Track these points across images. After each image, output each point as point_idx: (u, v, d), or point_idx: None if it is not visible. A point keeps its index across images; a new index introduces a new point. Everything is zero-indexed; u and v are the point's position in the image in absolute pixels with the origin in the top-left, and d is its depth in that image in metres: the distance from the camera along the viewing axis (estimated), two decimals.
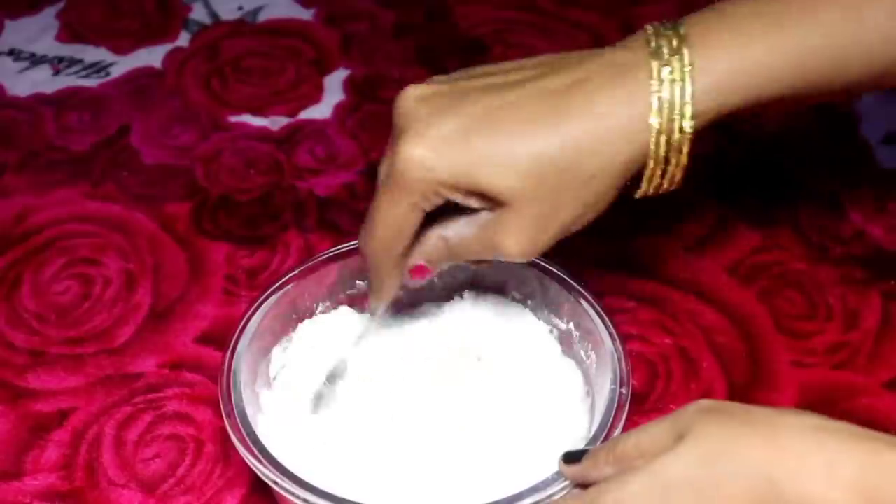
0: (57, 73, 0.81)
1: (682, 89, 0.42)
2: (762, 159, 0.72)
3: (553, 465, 0.44)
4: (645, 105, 0.42)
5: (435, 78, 0.46)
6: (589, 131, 0.43)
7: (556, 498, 0.44)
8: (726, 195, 0.70)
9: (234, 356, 0.49)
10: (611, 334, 0.50)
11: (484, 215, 0.45)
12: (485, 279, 0.57)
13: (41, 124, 0.77)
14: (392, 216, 0.44)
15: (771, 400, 0.57)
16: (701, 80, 0.42)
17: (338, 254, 0.55)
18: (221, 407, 0.47)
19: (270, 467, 0.45)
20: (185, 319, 0.62)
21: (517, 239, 0.44)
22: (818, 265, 0.65)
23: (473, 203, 0.44)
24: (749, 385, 0.58)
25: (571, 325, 0.54)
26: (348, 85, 0.80)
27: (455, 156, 0.42)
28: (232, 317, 0.61)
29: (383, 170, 0.45)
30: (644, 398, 0.58)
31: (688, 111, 0.42)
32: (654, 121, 0.42)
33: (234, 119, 0.77)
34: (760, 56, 0.43)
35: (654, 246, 0.66)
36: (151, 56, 0.83)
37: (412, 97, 0.44)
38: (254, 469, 0.45)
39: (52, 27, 0.86)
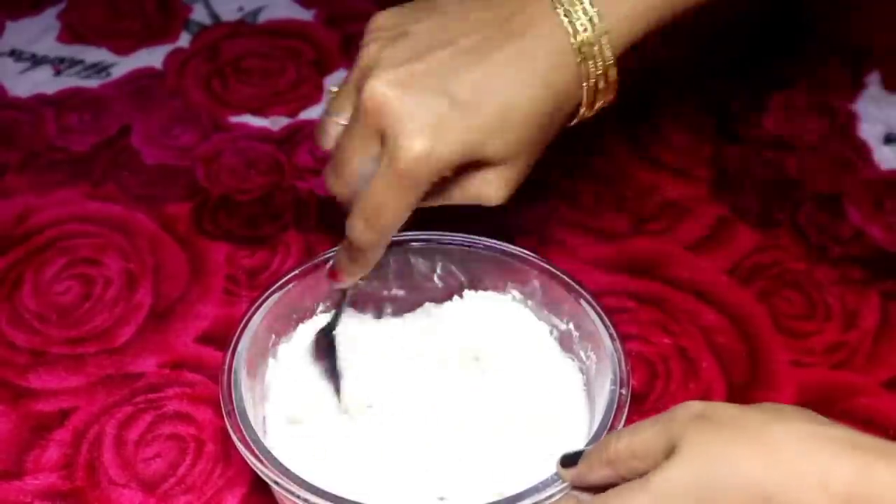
0: (58, 73, 0.81)
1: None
2: (762, 159, 0.73)
3: (553, 465, 0.44)
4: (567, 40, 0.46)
5: (387, 39, 0.47)
6: (563, 78, 0.46)
7: (555, 499, 0.44)
8: (726, 195, 0.70)
9: (235, 356, 0.49)
10: (610, 334, 0.50)
11: (464, 175, 0.47)
12: (484, 279, 0.57)
13: (42, 125, 0.77)
14: (402, 209, 0.46)
15: (770, 400, 0.57)
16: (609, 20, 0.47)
17: None
18: (222, 406, 0.47)
19: (270, 467, 0.45)
20: (185, 319, 0.63)
21: (502, 189, 0.48)
22: (817, 265, 0.65)
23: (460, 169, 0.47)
24: (748, 385, 0.58)
25: (571, 325, 0.54)
26: None
27: (457, 137, 0.44)
28: (232, 317, 0.61)
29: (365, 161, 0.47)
30: (644, 398, 0.58)
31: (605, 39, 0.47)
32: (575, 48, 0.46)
33: (234, 119, 0.77)
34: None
35: (654, 246, 0.66)
36: (152, 57, 0.83)
37: (387, 85, 0.45)
38: (254, 469, 0.45)
39: (53, 28, 0.86)
